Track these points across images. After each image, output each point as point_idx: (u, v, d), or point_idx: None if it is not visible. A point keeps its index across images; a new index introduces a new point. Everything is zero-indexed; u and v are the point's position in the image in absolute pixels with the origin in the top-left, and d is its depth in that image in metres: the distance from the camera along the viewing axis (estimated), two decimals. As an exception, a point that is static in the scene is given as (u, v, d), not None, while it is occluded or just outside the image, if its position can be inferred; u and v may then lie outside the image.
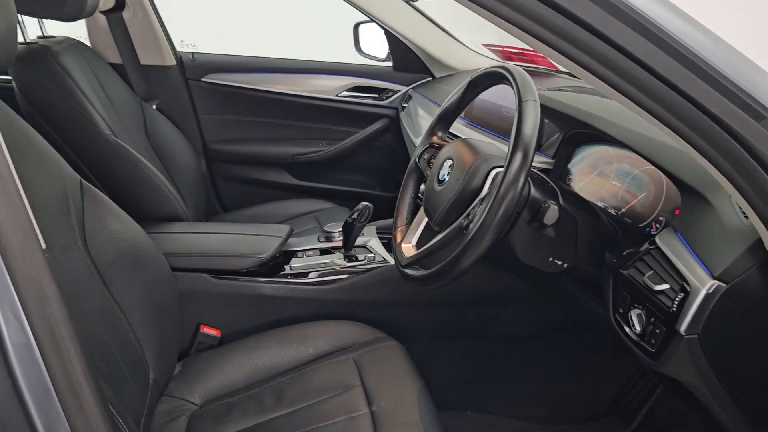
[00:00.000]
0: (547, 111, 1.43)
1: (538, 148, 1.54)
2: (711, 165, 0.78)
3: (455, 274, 1.02)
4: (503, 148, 1.14)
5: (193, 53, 2.33)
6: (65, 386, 0.71)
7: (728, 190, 0.79)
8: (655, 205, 1.11)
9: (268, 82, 2.36)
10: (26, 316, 0.67)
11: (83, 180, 1.24)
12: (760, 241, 0.84)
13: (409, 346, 1.43)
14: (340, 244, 1.65)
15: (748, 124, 0.73)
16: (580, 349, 1.66)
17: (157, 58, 2.19)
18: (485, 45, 2.32)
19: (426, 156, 1.29)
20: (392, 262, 1.60)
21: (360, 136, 2.41)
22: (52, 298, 0.69)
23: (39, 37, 1.79)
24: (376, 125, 2.42)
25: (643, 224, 1.13)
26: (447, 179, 1.12)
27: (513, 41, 2.16)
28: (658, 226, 1.10)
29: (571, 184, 1.36)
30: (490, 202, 0.95)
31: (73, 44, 1.80)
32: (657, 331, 0.94)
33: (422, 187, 1.29)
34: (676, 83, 0.72)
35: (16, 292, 0.67)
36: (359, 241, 1.66)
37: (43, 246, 0.69)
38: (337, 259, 1.62)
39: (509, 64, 1.11)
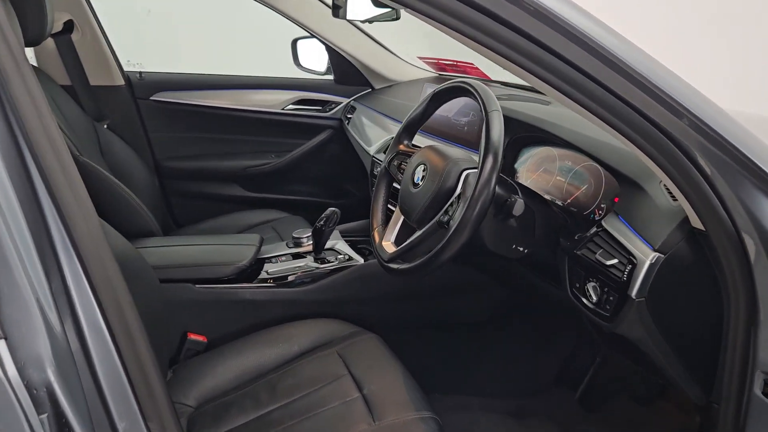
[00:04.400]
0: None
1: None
2: (647, 156, 0.97)
3: (438, 264, 1.17)
4: (466, 152, 1.32)
5: (140, 72, 2.38)
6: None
7: (660, 176, 0.99)
8: (596, 194, 1.31)
9: (215, 98, 2.44)
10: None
11: None
12: (687, 218, 1.05)
13: (382, 337, 1.57)
14: (310, 248, 1.77)
15: (674, 122, 0.93)
16: (527, 330, 1.86)
17: (106, 78, 2.23)
18: (421, 57, 2.49)
19: (396, 162, 1.45)
20: (360, 261, 1.74)
21: (306, 147, 2.53)
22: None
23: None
24: (321, 136, 2.55)
25: (587, 212, 1.33)
26: (422, 183, 1.27)
27: (445, 53, 2.36)
28: (600, 212, 1.30)
29: (519, 180, 1.55)
30: (468, 201, 1.12)
31: (29, 68, 1.82)
32: (611, 298, 1.14)
33: (395, 189, 1.44)
34: (621, 94, 0.90)
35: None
36: (327, 244, 1.79)
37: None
38: (310, 263, 1.74)
39: (469, 78, 1.27)
